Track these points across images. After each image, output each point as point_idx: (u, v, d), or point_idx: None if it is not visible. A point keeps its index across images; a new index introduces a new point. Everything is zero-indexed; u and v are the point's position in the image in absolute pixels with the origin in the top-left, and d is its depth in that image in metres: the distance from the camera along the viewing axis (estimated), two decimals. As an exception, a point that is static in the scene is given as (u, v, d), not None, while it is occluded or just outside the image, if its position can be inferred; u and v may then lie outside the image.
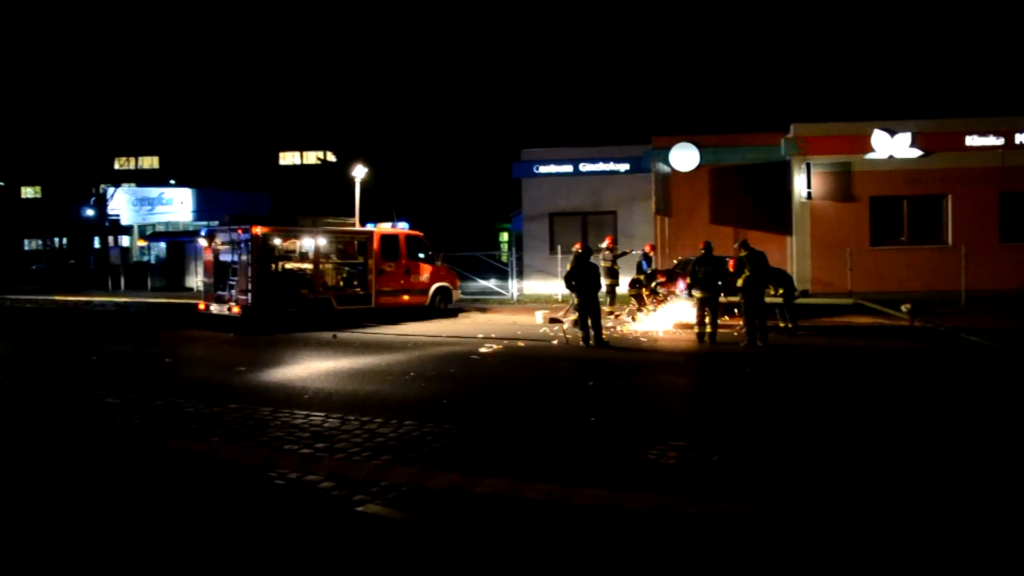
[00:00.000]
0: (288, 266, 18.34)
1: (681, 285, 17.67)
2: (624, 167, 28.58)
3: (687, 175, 25.99)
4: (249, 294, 17.42)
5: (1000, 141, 23.47)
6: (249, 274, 17.46)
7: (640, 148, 27.53)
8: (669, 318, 17.52)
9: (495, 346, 14.58)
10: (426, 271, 20.95)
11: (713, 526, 5.04)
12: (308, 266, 18.57)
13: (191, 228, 37.58)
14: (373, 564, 4.63)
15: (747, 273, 14.56)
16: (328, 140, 64.00)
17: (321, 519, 5.31)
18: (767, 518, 5.11)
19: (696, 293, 15.14)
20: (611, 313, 18.83)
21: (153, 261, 37.70)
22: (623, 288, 20.33)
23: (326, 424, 7.91)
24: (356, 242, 19.67)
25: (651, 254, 21.46)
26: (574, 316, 15.62)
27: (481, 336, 16.13)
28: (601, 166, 28.87)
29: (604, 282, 18.65)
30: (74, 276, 41.16)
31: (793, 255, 24.36)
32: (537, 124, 57.51)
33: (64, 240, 64.74)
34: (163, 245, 37.83)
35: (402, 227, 21.26)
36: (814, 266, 23.64)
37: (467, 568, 4.57)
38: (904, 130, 23.64)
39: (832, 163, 24.06)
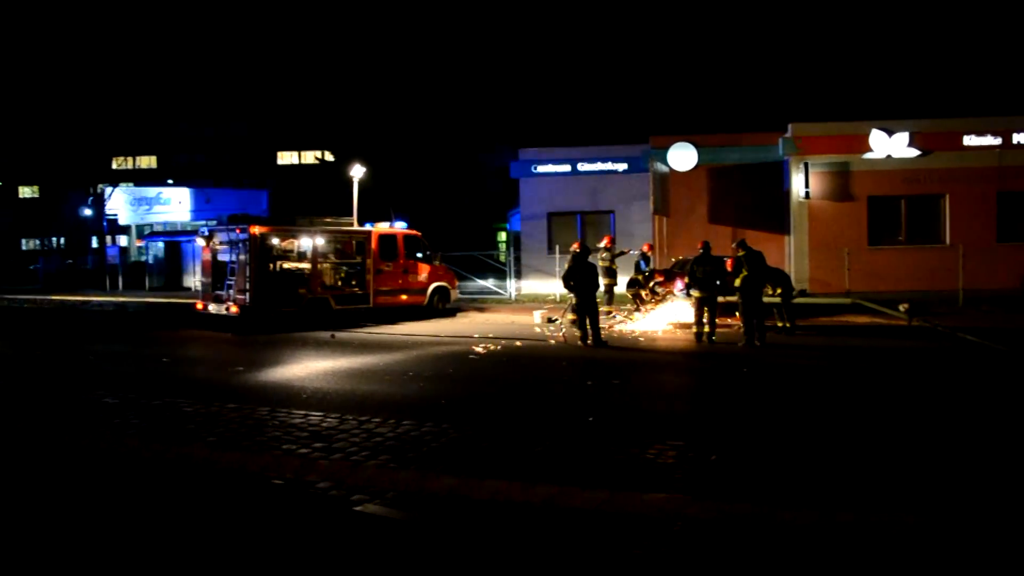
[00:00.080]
0: (286, 266, 18.32)
1: (679, 285, 17.67)
2: (622, 167, 28.58)
3: (685, 175, 25.99)
4: (247, 294, 17.40)
5: (998, 141, 23.50)
6: (247, 274, 17.44)
7: (638, 148, 27.53)
8: (667, 318, 17.52)
9: (493, 346, 14.57)
10: (424, 271, 20.93)
11: (712, 527, 5.04)
12: (306, 266, 18.55)
13: (189, 228, 37.53)
14: (371, 563, 4.63)
15: (745, 273, 14.57)
16: (326, 140, 64.01)
17: (319, 519, 5.31)
18: (765, 519, 5.11)
19: (694, 293, 15.14)
20: (609, 313, 18.84)
21: (151, 261, 37.62)
22: (621, 288, 20.33)
23: (324, 424, 7.90)
24: (354, 242, 19.65)
25: (649, 254, 21.48)
26: (572, 316, 15.61)
27: (479, 336, 16.13)
28: (599, 166, 28.88)
29: (602, 282, 18.62)
30: (72, 276, 41.07)
31: (791, 255, 24.38)
32: (535, 123, 57.47)
33: (62, 240, 64.70)
34: (161, 245, 37.75)
35: (400, 227, 21.24)
36: (812, 266, 23.66)
37: (464, 567, 4.57)
38: (902, 130, 23.65)
39: (830, 163, 24.08)
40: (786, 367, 12.25)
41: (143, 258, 39.35)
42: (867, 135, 23.69)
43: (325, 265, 19.01)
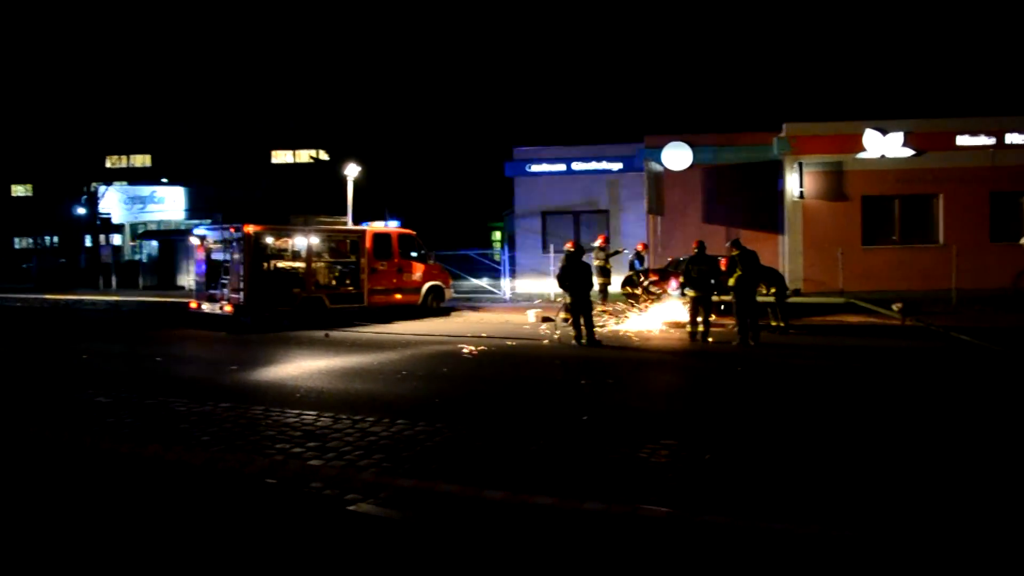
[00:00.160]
0: (280, 265, 18.29)
1: (674, 284, 17.70)
2: (617, 166, 28.59)
3: (680, 174, 26.03)
4: (241, 293, 17.38)
5: (991, 141, 23.57)
6: (241, 273, 17.41)
7: (633, 147, 27.56)
8: (661, 317, 17.54)
9: (487, 345, 14.57)
10: (419, 270, 20.94)
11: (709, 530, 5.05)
12: (300, 265, 18.53)
13: (183, 227, 37.46)
14: (365, 562, 4.62)
15: (739, 272, 14.58)
16: (321, 139, 63.90)
17: (313, 518, 5.30)
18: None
19: (689, 292, 15.16)
20: (604, 312, 18.85)
21: (145, 260, 37.54)
22: (616, 287, 20.35)
23: (318, 423, 7.89)
24: (348, 241, 19.64)
25: (643, 253, 21.53)
26: (566, 315, 15.62)
27: (473, 335, 16.12)
28: (594, 165, 28.88)
29: (597, 281, 18.66)
30: (65, 275, 40.95)
31: (785, 254, 24.42)
32: (530, 123, 57.55)
33: (55, 239, 64.46)
34: (155, 244, 37.69)
35: (394, 226, 21.23)
36: (806, 265, 23.71)
37: (459, 566, 4.57)
38: (896, 130, 23.71)
39: (824, 162, 24.12)
40: (780, 366, 12.26)
41: (137, 257, 39.28)
42: (861, 135, 23.74)
43: (319, 264, 19.00)
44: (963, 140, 23.68)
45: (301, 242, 18.53)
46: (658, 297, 18.36)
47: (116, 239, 45.90)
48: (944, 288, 21.00)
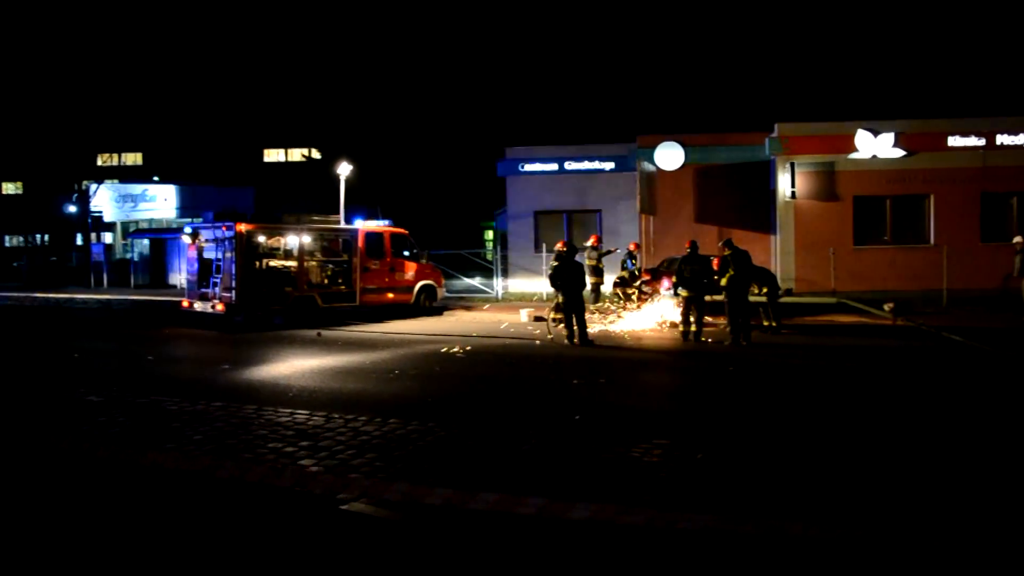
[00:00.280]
0: (272, 263, 18.25)
1: (666, 284, 17.73)
2: (609, 166, 28.62)
3: (672, 174, 26.07)
4: (233, 292, 17.33)
5: (981, 142, 23.67)
6: (233, 271, 17.36)
7: (625, 147, 27.60)
8: (654, 317, 17.57)
9: (479, 344, 14.57)
10: (411, 269, 20.92)
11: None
12: (293, 263, 18.49)
13: (175, 225, 37.31)
14: (358, 561, 4.62)
15: (731, 272, 14.62)
16: (313, 137, 63.77)
17: (306, 518, 5.30)
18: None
19: (682, 292, 15.19)
20: (596, 312, 18.87)
21: (136, 258, 37.38)
22: (608, 287, 20.37)
23: (310, 422, 7.89)
24: (341, 240, 19.61)
25: (636, 253, 21.55)
26: (558, 314, 15.63)
27: (466, 334, 16.12)
28: (586, 164, 28.90)
29: (589, 281, 18.68)
30: (56, 273, 40.78)
31: (777, 254, 24.47)
32: (522, 122, 57.58)
33: (46, 237, 64.20)
34: (146, 242, 37.54)
35: (386, 225, 21.21)
36: (798, 265, 23.76)
37: (452, 565, 4.57)
38: (887, 130, 23.79)
39: (816, 163, 24.19)
40: (772, 366, 12.31)
41: (128, 255, 39.11)
42: (853, 135, 23.81)
43: (312, 263, 18.96)
44: (954, 141, 23.77)
45: (293, 241, 18.49)
46: (650, 297, 18.39)
47: (107, 237, 45.68)
48: (935, 288, 21.09)
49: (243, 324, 17.68)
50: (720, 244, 15.62)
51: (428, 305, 21.26)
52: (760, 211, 25.46)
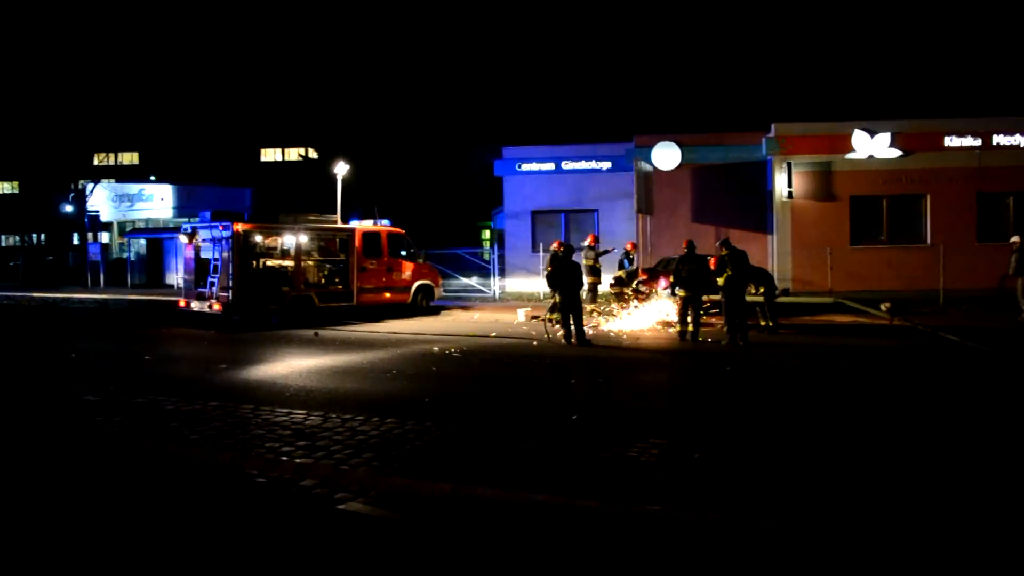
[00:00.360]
0: (269, 263, 18.24)
1: (663, 283, 17.73)
2: (606, 165, 28.63)
3: (669, 174, 26.10)
4: (230, 291, 17.32)
5: (977, 142, 23.70)
6: (230, 271, 17.35)
7: (622, 146, 27.60)
8: (651, 316, 17.57)
9: (477, 344, 14.57)
10: (408, 269, 20.91)
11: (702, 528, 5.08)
12: (289, 263, 18.48)
13: (172, 224, 37.27)
14: (357, 561, 4.62)
15: (728, 272, 14.62)
16: (310, 137, 63.75)
17: (303, 517, 5.30)
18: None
19: (680, 292, 15.20)
20: (593, 311, 18.87)
21: (133, 258, 37.35)
22: (605, 286, 20.37)
23: (307, 422, 7.88)
24: (338, 239, 19.60)
25: (633, 252, 21.54)
26: (555, 314, 15.63)
27: (463, 334, 16.12)
28: (583, 164, 28.92)
29: (586, 280, 18.67)
30: (52, 272, 40.74)
31: (774, 254, 24.49)
32: (519, 122, 57.60)
33: (42, 236, 64.13)
34: (143, 242, 37.51)
35: (383, 224, 21.19)
36: (794, 265, 23.77)
37: (449, 565, 4.58)
38: (884, 130, 23.82)
39: (813, 162, 24.21)
40: (769, 366, 12.31)
41: (125, 255, 39.06)
42: (849, 135, 23.84)
43: (308, 263, 18.95)
44: (950, 141, 23.81)
45: (290, 240, 18.48)
46: (647, 296, 18.38)
47: (104, 237, 45.64)
48: (932, 288, 21.11)
49: (240, 324, 17.66)
50: (717, 244, 15.62)
51: (425, 305, 21.25)
52: (757, 211, 25.49)
